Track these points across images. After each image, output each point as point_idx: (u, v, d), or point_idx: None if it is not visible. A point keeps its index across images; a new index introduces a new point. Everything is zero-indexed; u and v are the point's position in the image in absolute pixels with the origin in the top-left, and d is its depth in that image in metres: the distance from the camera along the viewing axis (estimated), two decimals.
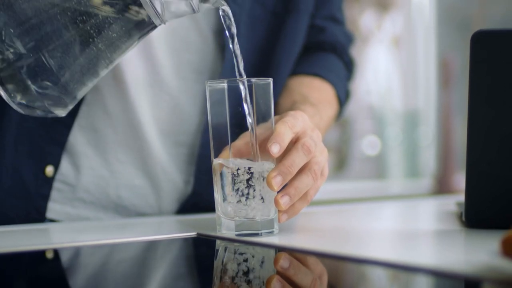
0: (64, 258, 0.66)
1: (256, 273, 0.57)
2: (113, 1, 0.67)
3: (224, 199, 0.70)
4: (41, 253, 0.66)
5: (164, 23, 0.69)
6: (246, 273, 0.56)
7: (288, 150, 0.70)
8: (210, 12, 0.92)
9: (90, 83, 0.71)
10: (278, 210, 0.70)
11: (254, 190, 0.69)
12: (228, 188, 0.69)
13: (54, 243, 0.73)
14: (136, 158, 0.92)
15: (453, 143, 2.85)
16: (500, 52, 0.70)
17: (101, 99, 0.90)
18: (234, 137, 0.70)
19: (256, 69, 0.95)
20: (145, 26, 0.69)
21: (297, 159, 0.69)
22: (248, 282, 0.53)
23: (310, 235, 0.72)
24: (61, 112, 0.71)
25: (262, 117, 0.70)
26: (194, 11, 0.69)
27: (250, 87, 0.69)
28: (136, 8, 0.67)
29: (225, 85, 0.69)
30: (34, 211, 0.89)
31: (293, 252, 0.64)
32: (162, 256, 0.67)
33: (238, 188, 0.69)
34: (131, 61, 0.89)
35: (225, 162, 0.69)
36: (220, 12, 0.72)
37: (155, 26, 0.69)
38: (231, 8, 0.72)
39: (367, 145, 3.01)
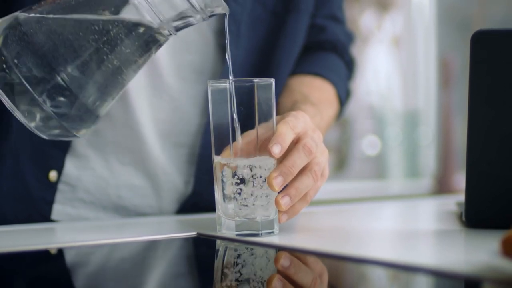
0: (64, 258, 0.66)
1: (256, 273, 0.57)
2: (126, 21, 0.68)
3: (225, 199, 0.70)
4: (41, 253, 0.66)
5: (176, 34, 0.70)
6: (246, 273, 0.56)
7: (289, 150, 0.70)
8: None
9: (111, 99, 0.71)
10: (278, 211, 0.70)
11: (255, 190, 0.69)
12: (228, 188, 0.69)
13: (54, 243, 0.73)
14: (136, 159, 0.92)
15: (453, 143, 2.85)
16: (500, 52, 0.70)
17: None
18: (236, 136, 0.70)
19: (256, 69, 0.95)
20: (161, 39, 0.69)
21: (298, 160, 0.69)
22: (249, 282, 0.53)
23: (310, 235, 0.72)
24: (84, 132, 0.71)
25: (264, 118, 0.70)
26: (203, 19, 0.70)
27: (251, 88, 0.69)
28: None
29: (227, 84, 0.69)
30: (38, 215, 0.89)
31: (293, 252, 0.64)
32: (162, 256, 0.67)
33: (239, 188, 0.69)
34: None
35: (226, 162, 0.69)
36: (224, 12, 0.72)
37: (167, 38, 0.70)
38: (232, 8, 0.72)
39: (367, 145, 3.01)
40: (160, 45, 0.70)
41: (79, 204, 0.91)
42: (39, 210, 0.89)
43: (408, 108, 3.01)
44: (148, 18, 0.67)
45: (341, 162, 2.93)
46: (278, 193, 0.69)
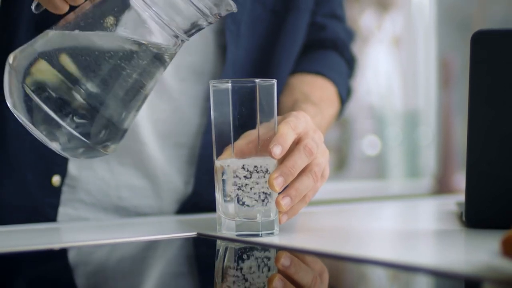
0: (65, 258, 0.66)
1: (257, 272, 0.57)
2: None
3: (225, 199, 0.70)
4: (41, 253, 0.66)
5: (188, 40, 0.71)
6: (247, 273, 0.56)
7: (290, 151, 0.70)
8: None
9: (135, 111, 0.71)
10: (279, 211, 0.70)
11: (255, 191, 0.69)
12: (229, 188, 0.69)
13: (54, 243, 0.73)
14: (136, 160, 0.92)
15: (453, 143, 2.85)
16: (500, 52, 0.70)
17: None
18: (237, 137, 0.70)
19: (256, 68, 0.95)
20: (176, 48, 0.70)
21: (299, 161, 0.69)
22: (249, 281, 0.53)
23: (310, 235, 0.72)
24: (114, 148, 0.72)
25: (265, 118, 0.70)
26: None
27: (254, 88, 0.69)
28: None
29: (229, 85, 0.69)
30: (43, 220, 0.89)
31: (293, 252, 0.64)
32: (162, 256, 0.67)
33: (239, 188, 0.69)
34: None
35: (227, 162, 0.69)
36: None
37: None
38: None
39: (367, 145, 3.01)
40: (175, 53, 0.71)
41: (80, 205, 0.91)
42: (44, 216, 0.89)
43: (408, 108, 3.01)
44: (165, 34, 0.68)
45: (341, 162, 2.93)
46: (279, 193, 0.69)
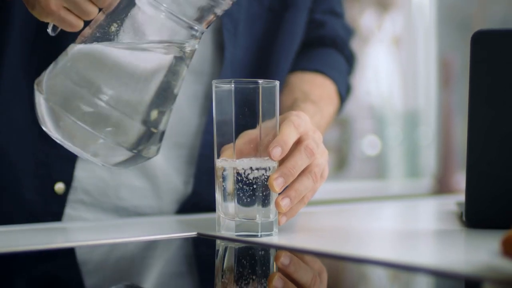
0: (65, 258, 0.66)
1: (256, 272, 0.57)
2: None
3: (225, 199, 0.70)
4: (41, 253, 0.66)
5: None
6: (247, 273, 0.56)
7: (290, 151, 0.70)
8: None
9: (169, 111, 0.72)
10: (278, 212, 0.70)
11: (255, 191, 0.69)
12: (229, 188, 0.69)
13: (54, 243, 0.73)
14: None
15: (453, 143, 2.85)
16: (500, 52, 0.70)
17: None
18: (238, 137, 0.70)
19: (255, 67, 0.95)
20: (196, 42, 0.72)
21: (299, 161, 0.69)
22: (249, 281, 0.53)
23: (310, 235, 0.72)
24: (155, 150, 0.73)
25: (267, 119, 0.70)
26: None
27: (256, 89, 0.69)
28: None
29: (232, 86, 0.69)
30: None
31: (293, 252, 0.64)
32: (163, 256, 0.67)
33: (240, 188, 0.69)
34: None
35: (227, 162, 0.69)
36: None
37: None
38: (230, 7, 0.72)
39: (367, 145, 3.01)
40: (195, 49, 0.72)
41: (79, 206, 0.91)
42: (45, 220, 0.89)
43: (408, 108, 3.01)
44: (181, 30, 0.69)
45: (341, 162, 2.92)
46: (278, 194, 0.69)
